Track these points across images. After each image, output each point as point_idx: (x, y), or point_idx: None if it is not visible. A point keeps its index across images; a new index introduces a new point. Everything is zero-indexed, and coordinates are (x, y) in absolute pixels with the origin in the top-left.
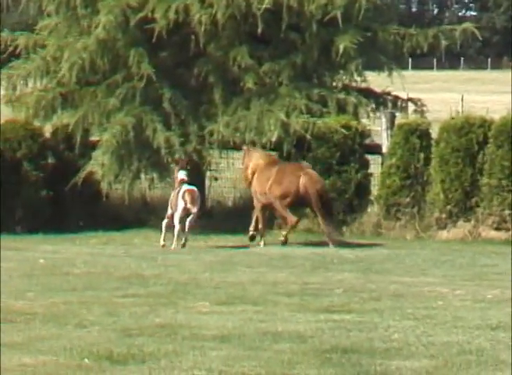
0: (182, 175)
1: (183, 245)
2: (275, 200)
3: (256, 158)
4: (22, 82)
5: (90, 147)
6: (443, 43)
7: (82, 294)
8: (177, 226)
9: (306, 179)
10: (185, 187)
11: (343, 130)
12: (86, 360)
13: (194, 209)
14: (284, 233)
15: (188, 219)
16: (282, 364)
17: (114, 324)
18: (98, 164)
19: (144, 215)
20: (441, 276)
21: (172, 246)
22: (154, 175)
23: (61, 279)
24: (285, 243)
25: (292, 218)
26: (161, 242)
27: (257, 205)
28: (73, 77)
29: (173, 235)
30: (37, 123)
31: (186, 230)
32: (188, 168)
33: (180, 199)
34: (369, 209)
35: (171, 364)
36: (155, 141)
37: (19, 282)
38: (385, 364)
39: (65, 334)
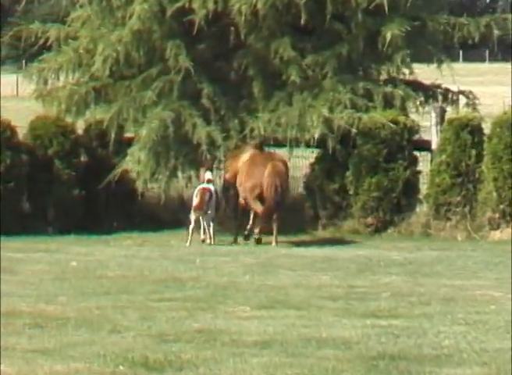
0: (208, 175)
1: (204, 241)
2: (245, 193)
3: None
4: (53, 76)
5: (124, 144)
6: (496, 33)
7: (116, 298)
8: (192, 224)
9: (269, 170)
10: (201, 185)
11: (390, 125)
12: (121, 367)
13: (201, 210)
14: (256, 230)
15: (203, 222)
16: (326, 372)
17: (149, 329)
18: (134, 161)
19: (181, 215)
20: (494, 278)
21: (187, 242)
22: (192, 173)
23: (94, 282)
24: (259, 242)
25: (259, 208)
26: (201, 236)
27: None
28: (107, 71)
29: (191, 232)
30: (69, 119)
31: (207, 230)
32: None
33: (194, 197)
34: (418, 209)
35: (210, 372)
36: (195, 137)
37: (50, 285)
38: (434, 372)
39: (98, 340)
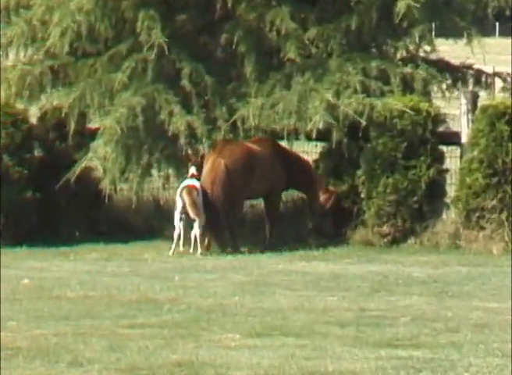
0: (193, 170)
1: (195, 250)
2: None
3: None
4: (1, 53)
5: (87, 136)
6: None
7: (77, 324)
8: (177, 229)
9: (205, 169)
10: (185, 182)
11: (411, 113)
12: None
13: (194, 213)
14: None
15: (193, 230)
16: None
17: (118, 362)
18: (99, 157)
19: (157, 222)
20: None
21: (170, 252)
22: (170, 171)
23: (51, 304)
24: (207, 248)
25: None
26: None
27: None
28: (66, 47)
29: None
30: (20, 105)
31: (194, 239)
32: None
33: (178, 197)
34: (445, 216)
35: None
36: (172, 127)
37: None
38: None
39: (56, 374)
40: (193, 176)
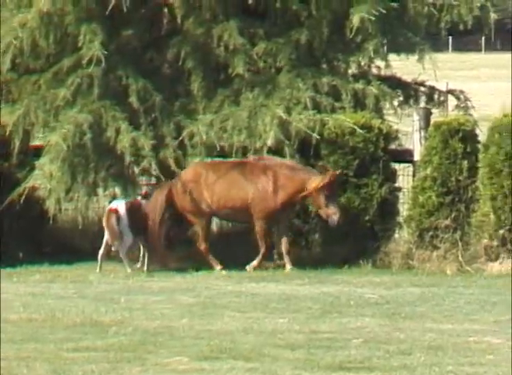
0: (145, 188)
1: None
2: None
3: None
4: None
5: (31, 154)
6: (493, 16)
7: (20, 348)
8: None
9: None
10: (111, 204)
11: (361, 131)
12: None
13: (109, 238)
14: None
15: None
16: None
17: None
18: (44, 176)
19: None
20: (491, 322)
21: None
22: (117, 190)
23: None
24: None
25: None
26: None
27: None
28: (8, 63)
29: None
30: None
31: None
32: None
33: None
34: (397, 235)
35: None
36: (119, 145)
37: None
38: None
39: None
40: (145, 195)
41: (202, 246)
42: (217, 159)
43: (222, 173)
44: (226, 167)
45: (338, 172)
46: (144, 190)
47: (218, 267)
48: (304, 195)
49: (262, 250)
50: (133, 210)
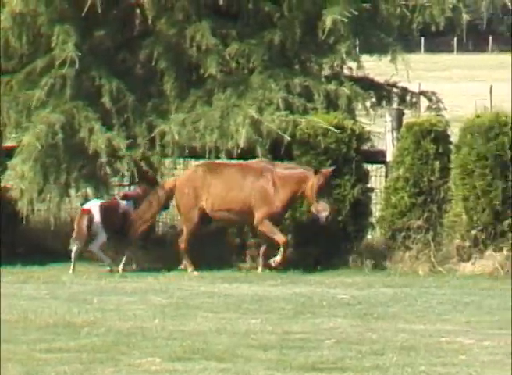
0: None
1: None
2: None
3: None
4: None
5: (3, 154)
6: (465, 17)
7: None
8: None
9: None
10: (87, 204)
11: (334, 131)
12: None
13: (74, 236)
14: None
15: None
16: None
17: None
18: (16, 177)
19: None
20: (464, 322)
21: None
22: (89, 190)
23: None
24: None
25: None
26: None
27: None
28: None
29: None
30: None
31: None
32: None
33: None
34: (369, 236)
35: None
36: (92, 145)
37: None
38: None
39: None
40: (125, 196)
41: (182, 245)
42: (218, 161)
43: (223, 175)
44: (227, 169)
45: (331, 170)
46: (123, 191)
47: (190, 269)
48: (303, 193)
49: (282, 240)
50: (109, 211)
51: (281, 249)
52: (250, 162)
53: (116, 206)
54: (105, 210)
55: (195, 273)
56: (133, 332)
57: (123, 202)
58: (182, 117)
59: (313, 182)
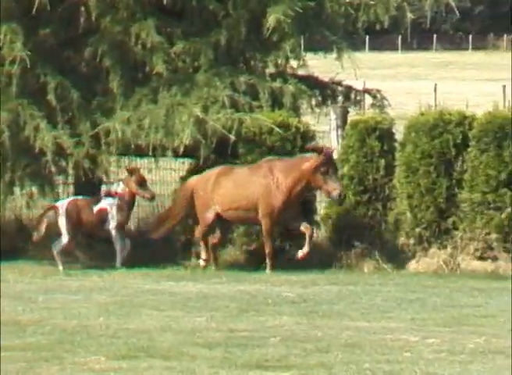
0: (116, 187)
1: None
2: None
3: None
4: None
5: None
6: (410, 16)
7: None
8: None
9: None
10: (58, 201)
11: (278, 130)
12: None
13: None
14: None
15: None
16: None
17: None
18: None
19: (20, 242)
20: (408, 319)
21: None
22: (34, 189)
23: None
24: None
25: None
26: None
27: None
28: None
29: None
30: None
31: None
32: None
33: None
34: (314, 234)
35: None
36: (38, 143)
37: None
38: None
39: None
40: (108, 194)
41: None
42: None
43: (234, 177)
44: (237, 171)
45: (332, 148)
46: (106, 188)
47: (202, 259)
48: (308, 181)
49: (309, 232)
50: (81, 209)
51: (306, 243)
52: (260, 161)
53: (86, 205)
54: (75, 209)
55: (201, 262)
56: (78, 330)
57: (108, 200)
58: (127, 115)
59: (311, 163)
